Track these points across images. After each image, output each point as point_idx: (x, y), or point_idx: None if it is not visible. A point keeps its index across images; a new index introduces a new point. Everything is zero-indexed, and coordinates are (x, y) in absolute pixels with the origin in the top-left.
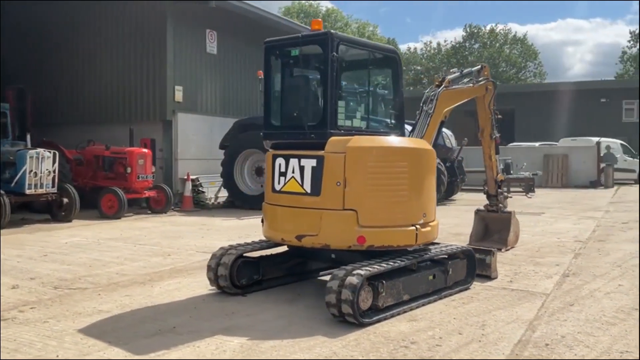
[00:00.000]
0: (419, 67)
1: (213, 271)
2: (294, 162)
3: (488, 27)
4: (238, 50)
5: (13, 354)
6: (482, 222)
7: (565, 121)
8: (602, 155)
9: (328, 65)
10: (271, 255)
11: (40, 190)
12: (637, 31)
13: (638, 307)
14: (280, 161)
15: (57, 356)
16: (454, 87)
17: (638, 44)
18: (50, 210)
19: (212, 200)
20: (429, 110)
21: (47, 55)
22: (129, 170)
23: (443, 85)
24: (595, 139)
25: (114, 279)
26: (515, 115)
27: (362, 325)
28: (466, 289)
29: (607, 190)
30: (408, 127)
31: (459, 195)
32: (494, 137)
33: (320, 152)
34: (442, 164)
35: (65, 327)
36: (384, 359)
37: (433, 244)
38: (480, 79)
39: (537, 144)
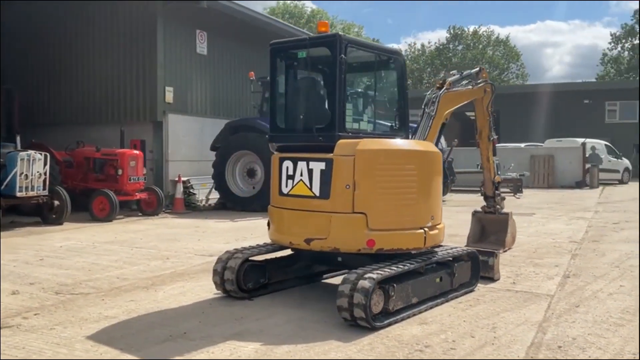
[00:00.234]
0: None
1: (219, 275)
2: (302, 165)
3: (471, 29)
4: (228, 51)
5: None
6: (479, 223)
7: (549, 122)
8: (587, 156)
9: (336, 67)
10: (276, 258)
11: (31, 193)
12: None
13: (638, 308)
14: (287, 164)
15: None
16: (454, 89)
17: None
18: (40, 213)
19: (203, 202)
20: (431, 113)
21: (35, 55)
22: (120, 172)
23: (444, 88)
24: (581, 139)
25: (115, 284)
26: (499, 117)
27: (374, 329)
28: (471, 291)
29: (593, 190)
30: None
31: (449, 196)
32: (491, 138)
33: (329, 155)
34: None
35: (73, 334)
36: None
37: (437, 246)
38: (479, 81)
39: (522, 145)
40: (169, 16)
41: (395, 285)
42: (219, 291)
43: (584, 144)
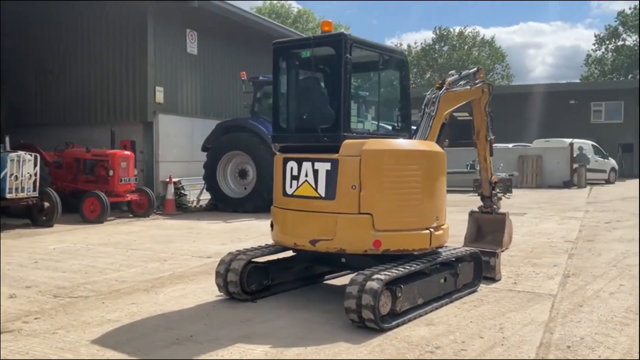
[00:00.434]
0: None
1: (222, 277)
2: (307, 165)
3: (457, 30)
4: (218, 50)
5: None
6: (475, 223)
7: (536, 123)
8: (575, 156)
9: (342, 67)
10: (278, 259)
11: (21, 195)
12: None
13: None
14: (292, 164)
15: None
16: (453, 89)
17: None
18: (30, 214)
19: (194, 203)
20: (431, 113)
21: (22, 55)
22: (111, 173)
23: (444, 88)
24: (568, 140)
25: (114, 286)
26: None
27: (382, 330)
28: (474, 292)
29: (581, 190)
30: None
31: None
32: (489, 138)
33: (335, 155)
34: None
35: (77, 338)
36: None
37: (439, 247)
38: (476, 81)
39: (510, 145)
40: (159, 16)
41: (402, 286)
42: (222, 293)
43: (571, 144)
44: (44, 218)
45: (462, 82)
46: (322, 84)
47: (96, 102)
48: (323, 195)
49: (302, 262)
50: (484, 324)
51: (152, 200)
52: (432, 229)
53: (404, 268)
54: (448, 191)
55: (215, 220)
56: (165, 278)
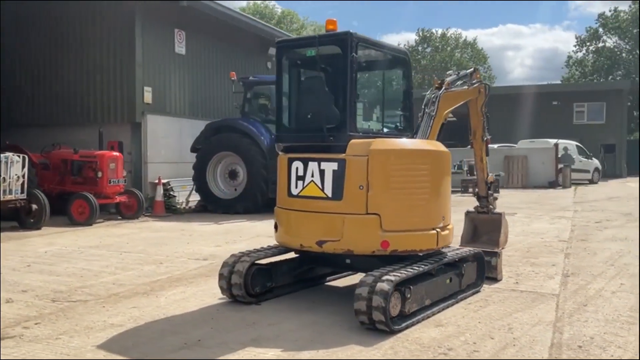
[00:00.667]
0: None
1: (226, 279)
2: (313, 165)
3: (439, 32)
4: (206, 50)
5: None
6: (471, 223)
7: (520, 123)
8: (559, 156)
9: (348, 66)
10: (281, 261)
11: (8, 197)
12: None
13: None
14: (297, 165)
15: None
16: (452, 89)
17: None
18: (17, 217)
19: (184, 205)
20: (432, 113)
21: (6, 54)
22: (99, 174)
23: (444, 88)
24: (553, 140)
25: (112, 290)
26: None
27: (392, 332)
28: (477, 292)
29: (566, 190)
30: None
31: None
32: (485, 138)
33: (342, 155)
34: None
35: (82, 344)
36: None
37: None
38: (473, 81)
39: (496, 146)
40: (147, 15)
41: (411, 287)
42: (225, 296)
43: (556, 145)
44: (32, 220)
45: (459, 83)
46: (327, 83)
47: (83, 102)
48: (330, 195)
49: (304, 263)
50: (493, 324)
51: (141, 202)
52: (438, 229)
53: (412, 269)
54: None
55: (206, 221)
56: (164, 281)
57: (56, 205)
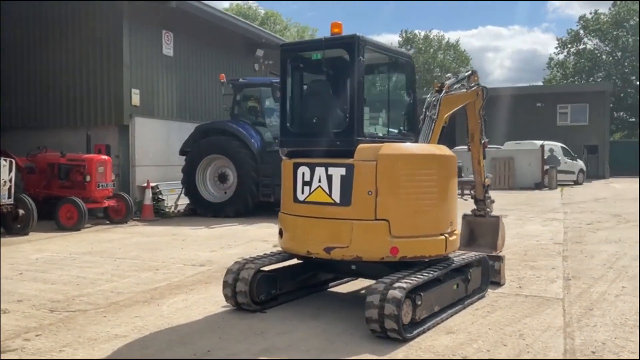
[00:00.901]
0: None
1: (230, 287)
2: (320, 170)
3: (422, 34)
4: (194, 52)
5: None
6: (468, 226)
7: (505, 125)
8: (545, 157)
9: (355, 70)
10: (285, 268)
11: None
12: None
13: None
14: (303, 170)
15: None
16: (452, 92)
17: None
18: (4, 223)
19: (172, 209)
20: (433, 116)
21: None
22: (88, 178)
23: (444, 91)
24: (539, 142)
25: (111, 298)
26: (455, 120)
27: (405, 340)
28: (482, 297)
29: (552, 191)
30: None
31: None
32: (482, 141)
33: (350, 160)
34: None
35: (87, 356)
36: None
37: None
38: (471, 84)
39: None
40: (135, 16)
41: (422, 294)
42: (229, 304)
43: (542, 146)
44: (19, 226)
45: (457, 86)
46: (333, 87)
47: (69, 104)
48: (338, 201)
49: (308, 269)
50: (503, 330)
51: (130, 206)
52: (446, 235)
53: (422, 275)
54: None
55: (197, 226)
56: (163, 288)
57: (42, 210)
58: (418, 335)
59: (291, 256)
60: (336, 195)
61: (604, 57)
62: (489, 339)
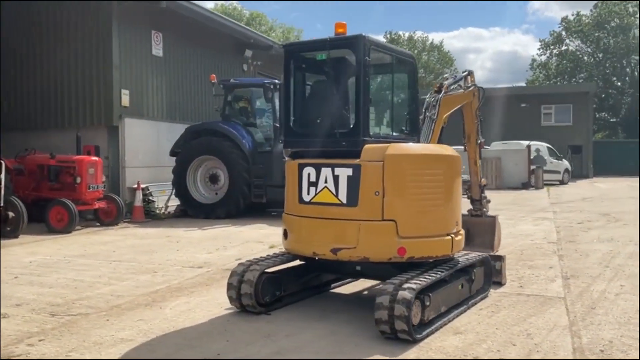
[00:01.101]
0: None
1: (235, 289)
2: (326, 171)
3: (407, 35)
4: (183, 52)
5: None
6: (464, 226)
7: (491, 125)
8: (532, 157)
9: (361, 70)
10: (288, 269)
11: None
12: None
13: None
14: (309, 170)
15: None
16: (451, 93)
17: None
18: None
19: (163, 210)
20: (433, 116)
21: None
22: (78, 180)
23: (443, 91)
24: (525, 142)
25: (112, 302)
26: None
27: (414, 341)
28: (485, 297)
29: (539, 191)
30: None
31: None
32: (479, 142)
33: (357, 161)
34: None
35: None
36: None
37: None
38: (469, 85)
39: None
40: (124, 16)
41: (430, 294)
42: (233, 306)
43: (529, 147)
44: (9, 229)
45: (454, 86)
46: (337, 87)
47: (57, 105)
48: (344, 202)
49: (312, 271)
50: (510, 330)
51: (120, 208)
52: (452, 235)
53: (430, 276)
54: None
55: (189, 227)
56: (164, 291)
57: (31, 213)
58: (427, 336)
59: (294, 257)
60: (343, 196)
61: (585, 58)
62: (497, 339)
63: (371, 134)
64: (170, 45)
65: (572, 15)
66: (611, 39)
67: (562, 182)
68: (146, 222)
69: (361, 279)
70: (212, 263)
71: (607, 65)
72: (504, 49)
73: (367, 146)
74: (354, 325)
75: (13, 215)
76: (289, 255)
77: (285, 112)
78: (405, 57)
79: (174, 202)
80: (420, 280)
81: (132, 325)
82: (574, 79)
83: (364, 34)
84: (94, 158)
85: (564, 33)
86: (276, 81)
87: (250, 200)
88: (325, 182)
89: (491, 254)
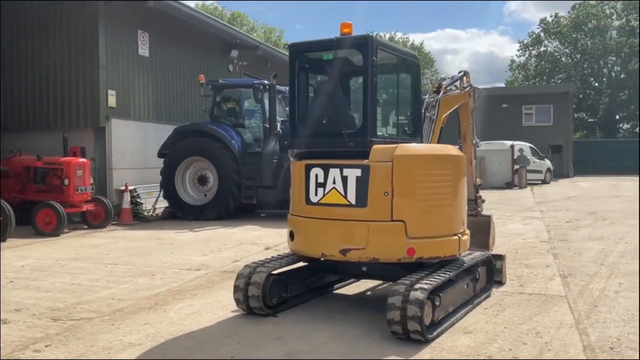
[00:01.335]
0: None
1: (242, 291)
2: (334, 172)
3: (387, 36)
4: (170, 53)
5: None
6: None
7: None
8: (515, 157)
9: (369, 70)
10: (294, 270)
11: None
12: (525, 41)
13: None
14: (317, 171)
15: None
16: (449, 93)
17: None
18: None
19: (151, 212)
20: (432, 117)
21: None
22: (66, 182)
23: (442, 92)
24: (509, 142)
25: (114, 305)
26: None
27: (427, 341)
28: (488, 296)
29: (523, 190)
30: None
31: None
32: (474, 142)
33: (365, 161)
34: None
35: None
36: None
37: None
38: (465, 85)
39: None
40: (110, 16)
41: (440, 294)
42: (240, 308)
43: (512, 146)
44: None
45: (451, 86)
46: (344, 88)
47: (42, 107)
48: (353, 202)
49: (317, 272)
50: (519, 329)
51: (109, 210)
52: (459, 234)
53: (439, 276)
54: None
55: (180, 229)
56: (165, 294)
57: (17, 215)
58: (438, 336)
59: (298, 259)
60: (352, 197)
61: (563, 59)
62: (507, 338)
63: (378, 134)
64: (156, 46)
65: (551, 16)
66: (589, 41)
67: (544, 182)
68: (134, 225)
69: (361, 280)
70: (209, 265)
71: (585, 66)
72: (481, 50)
73: (375, 147)
74: (363, 326)
75: (0, 218)
76: (294, 257)
77: (291, 112)
78: (409, 57)
79: (162, 204)
80: (431, 281)
81: (139, 329)
82: (552, 80)
83: (371, 34)
84: (82, 159)
85: (542, 34)
86: (265, 82)
87: (240, 202)
88: (334, 183)
89: (493, 253)
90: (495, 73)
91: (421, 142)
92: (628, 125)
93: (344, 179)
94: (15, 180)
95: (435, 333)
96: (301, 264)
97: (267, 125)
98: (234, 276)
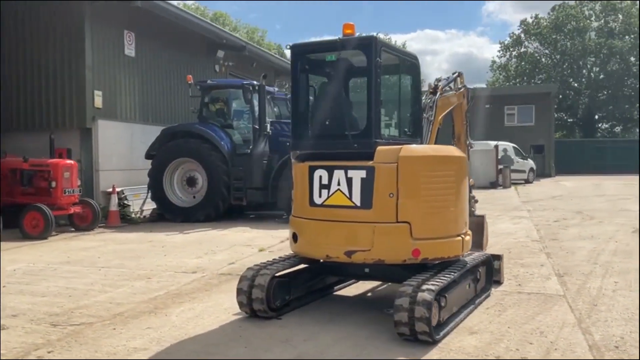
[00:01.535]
0: None
1: (246, 294)
2: (339, 173)
3: None
4: (156, 53)
5: None
6: None
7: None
8: (499, 157)
9: (372, 71)
10: (296, 272)
11: None
12: (506, 42)
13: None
14: (321, 173)
15: None
16: (445, 94)
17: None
18: None
19: (139, 214)
20: (430, 118)
21: None
22: (53, 184)
23: (439, 93)
24: (493, 142)
25: (112, 310)
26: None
27: (434, 342)
28: (488, 296)
29: (507, 190)
30: None
31: None
32: (467, 142)
33: (370, 163)
34: None
35: None
36: None
37: None
38: (459, 86)
39: None
40: (97, 16)
41: (446, 295)
42: (243, 311)
43: (496, 147)
44: None
45: (446, 87)
46: (350, 89)
47: (27, 107)
48: (358, 204)
49: (319, 274)
50: (523, 329)
51: (96, 213)
52: (462, 235)
53: (445, 277)
54: None
55: (170, 231)
56: (164, 297)
57: (3, 219)
58: (444, 336)
59: (300, 261)
60: (357, 198)
61: (543, 60)
62: (513, 337)
63: (383, 135)
64: (143, 46)
65: (531, 18)
66: (568, 42)
67: (527, 181)
68: (122, 227)
69: (361, 281)
70: (205, 268)
71: (565, 66)
72: (460, 50)
73: (379, 148)
74: (369, 328)
75: None
76: (295, 259)
77: (293, 113)
78: (410, 58)
79: (149, 206)
80: (437, 282)
81: (142, 334)
82: (532, 81)
83: (375, 35)
84: (69, 161)
85: (522, 35)
86: (254, 82)
87: (229, 203)
88: (339, 184)
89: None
90: (474, 73)
91: (422, 143)
92: (607, 125)
93: (349, 181)
94: (2, 182)
95: (441, 334)
96: (302, 265)
97: (257, 126)
98: (232, 279)
